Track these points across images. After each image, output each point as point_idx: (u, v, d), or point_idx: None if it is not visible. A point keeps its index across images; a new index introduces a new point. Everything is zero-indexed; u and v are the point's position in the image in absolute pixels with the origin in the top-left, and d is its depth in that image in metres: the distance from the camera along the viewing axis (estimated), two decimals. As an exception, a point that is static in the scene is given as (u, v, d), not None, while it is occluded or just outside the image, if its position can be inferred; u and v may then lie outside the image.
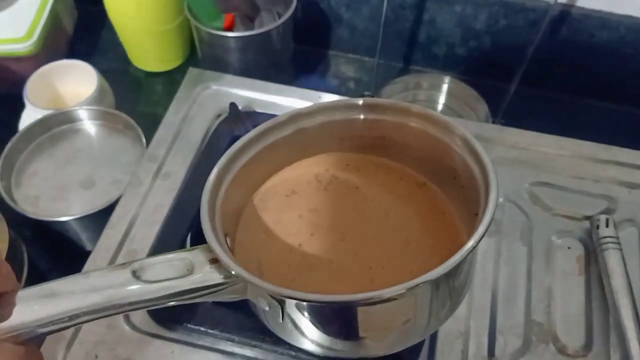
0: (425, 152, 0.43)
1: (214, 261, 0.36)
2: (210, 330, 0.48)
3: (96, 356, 0.47)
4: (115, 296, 0.33)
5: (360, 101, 0.43)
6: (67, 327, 0.33)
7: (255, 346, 0.48)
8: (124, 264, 0.35)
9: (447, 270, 0.32)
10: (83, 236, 0.62)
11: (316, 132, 0.44)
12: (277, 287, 0.34)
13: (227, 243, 0.39)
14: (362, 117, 0.44)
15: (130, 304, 0.33)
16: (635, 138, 0.62)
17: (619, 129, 0.78)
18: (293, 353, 0.48)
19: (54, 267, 0.64)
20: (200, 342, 0.48)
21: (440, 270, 0.32)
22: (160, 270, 0.35)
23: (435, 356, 0.48)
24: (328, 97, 0.65)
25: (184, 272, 0.35)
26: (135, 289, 0.34)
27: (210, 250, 0.35)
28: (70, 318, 0.32)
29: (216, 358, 0.48)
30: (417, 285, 0.32)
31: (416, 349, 0.48)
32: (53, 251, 0.65)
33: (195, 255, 0.36)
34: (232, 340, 0.48)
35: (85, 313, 0.33)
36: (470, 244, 0.33)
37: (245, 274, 0.34)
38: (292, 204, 0.45)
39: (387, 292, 0.32)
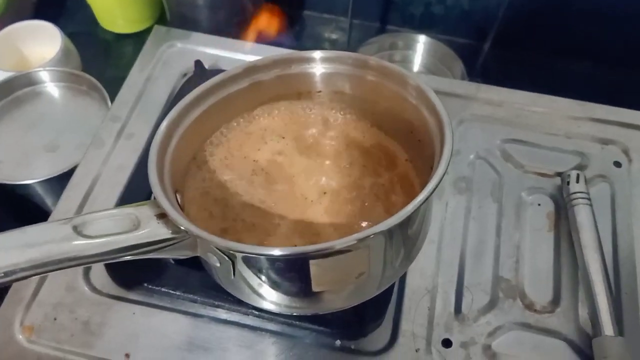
0: (382, 106, 0.42)
1: (162, 216, 0.35)
2: (172, 291, 0.48)
3: (55, 318, 0.46)
4: (54, 251, 0.32)
5: (317, 54, 0.41)
6: (5, 283, 0.32)
7: (218, 306, 0.47)
8: (64, 219, 0.33)
9: (398, 221, 0.32)
10: (47, 200, 0.61)
11: (271, 86, 0.43)
12: (226, 240, 0.33)
13: (177, 199, 0.38)
14: (318, 70, 0.42)
15: (70, 259, 0.32)
16: (611, 98, 0.61)
17: (595, 89, 0.76)
18: (256, 312, 0.47)
19: (19, 232, 0.63)
20: (162, 303, 0.48)
21: (391, 221, 0.32)
22: (104, 226, 0.34)
23: (402, 313, 0.48)
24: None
25: (130, 228, 0.34)
26: (76, 245, 0.33)
27: (158, 205, 0.34)
28: (6, 274, 0.31)
29: (179, 319, 0.47)
30: (368, 237, 0.32)
31: (382, 306, 0.47)
32: (17, 215, 0.63)
33: (142, 211, 0.35)
34: (195, 301, 0.47)
35: (23, 269, 0.31)
36: (421, 196, 0.32)
37: (193, 228, 0.33)
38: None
39: (338, 243, 0.32)
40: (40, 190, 0.59)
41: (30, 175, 0.59)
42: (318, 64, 0.43)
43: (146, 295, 0.48)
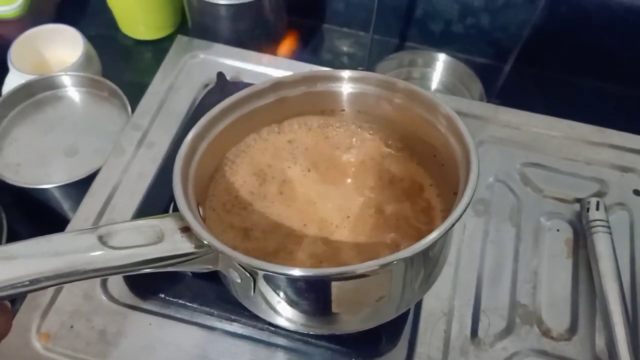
0: (406, 130, 0.42)
1: (185, 230, 0.35)
2: (189, 303, 0.47)
3: (72, 326, 0.46)
4: (79, 261, 0.32)
5: (345, 73, 0.41)
6: (29, 292, 0.31)
7: (234, 320, 0.47)
8: (90, 228, 0.33)
9: (422, 248, 0.32)
10: (65, 205, 0.61)
11: (296, 103, 0.43)
12: (249, 257, 0.33)
13: (199, 212, 0.38)
14: (345, 89, 0.42)
15: (95, 270, 0.32)
16: (631, 120, 0.61)
17: (615, 110, 0.76)
18: (272, 328, 0.47)
19: (35, 236, 0.63)
20: (178, 315, 0.48)
21: (415, 248, 0.32)
22: (128, 237, 0.34)
23: (417, 336, 0.47)
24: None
25: (154, 240, 0.34)
26: (100, 255, 0.32)
27: (181, 218, 0.34)
28: (31, 282, 0.31)
29: (194, 331, 0.47)
30: (391, 263, 0.32)
31: (398, 328, 0.47)
32: (34, 219, 0.63)
33: (166, 223, 0.35)
34: (211, 314, 0.47)
35: (47, 278, 0.31)
36: (446, 224, 0.32)
37: (216, 243, 0.33)
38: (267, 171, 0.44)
39: (360, 268, 0.32)
40: (57, 194, 0.59)
41: (48, 179, 0.59)
42: (345, 83, 0.43)
43: (163, 306, 0.48)
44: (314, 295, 0.36)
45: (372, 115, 0.44)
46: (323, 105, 0.44)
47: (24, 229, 0.63)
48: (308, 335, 0.46)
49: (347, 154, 0.45)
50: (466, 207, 0.33)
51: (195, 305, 0.47)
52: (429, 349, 0.47)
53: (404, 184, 0.43)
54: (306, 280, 0.34)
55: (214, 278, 0.41)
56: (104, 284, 0.49)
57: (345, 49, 0.84)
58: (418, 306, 0.49)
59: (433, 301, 0.49)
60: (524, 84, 0.79)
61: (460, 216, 0.33)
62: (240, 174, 0.43)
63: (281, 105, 0.43)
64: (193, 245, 0.34)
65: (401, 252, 0.32)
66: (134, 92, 0.64)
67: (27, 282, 0.31)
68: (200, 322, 0.47)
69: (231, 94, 0.59)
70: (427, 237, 0.32)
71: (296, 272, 0.32)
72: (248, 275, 0.35)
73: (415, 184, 0.43)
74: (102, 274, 0.33)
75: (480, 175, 0.55)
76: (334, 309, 0.37)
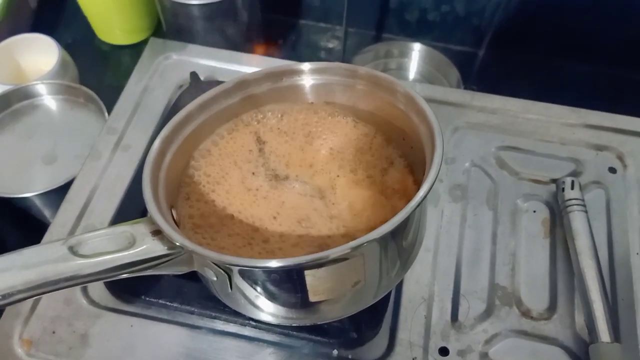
0: (374, 115, 0.42)
1: (157, 233, 0.35)
2: (169, 303, 0.48)
3: (54, 332, 0.47)
4: (51, 272, 0.32)
5: (306, 65, 0.42)
6: (2, 306, 0.32)
7: (215, 317, 0.47)
8: (60, 239, 0.34)
9: (391, 228, 0.32)
10: (46, 212, 0.61)
11: (263, 99, 0.43)
12: (220, 254, 0.33)
13: (172, 215, 0.38)
14: (308, 82, 0.43)
15: (67, 279, 0.33)
16: (610, 99, 0.61)
17: (592, 90, 0.77)
18: (254, 323, 0.47)
19: (17, 245, 0.63)
20: (159, 315, 0.48)
21: (384, 228, 0.32)
22: (99, 245, 0.34)
23: (398, 322, 0.48)
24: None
25: (125, 245, 0.34)
26: (72, 265, 0.33)
27: (153, 222, 0.35)
28: (4, 297, 0.31)
29: (176, 331, 0.47)
30: (362, 244, 0.32)
31: (379, 316, 0.47)
32: (15, 228, 0.63)
33: (137, 228, 0.35)
34: (192, 313, 0.48)
35: (20, 291, 0.32)
36: (412, 203, 0.32)
37: (188, 243, 0.33)
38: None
39: (332, 252, 0.32)
40: (38, 202, 0.59)
41: (28, 187, 0.59)
42: (308, 76, 0.43)
43: (144, 307, 0.48)
44: (290, 285, 0.37)
45: (340, 105, 0.44)
46: (291, 100, 0.44)
47: (6, 239, 0.63)
48: (290, 328, 0.47)
49: (322, 140, 0.44)
50: (432, 184, 0.33)
51: (175, 305, 0.48)
52: (410, 334, 0.47)
53: (382, 168, 0.43)
54: (280, 271, 0.35)
55: (193, 277, 0.41)
56: (84, 289, 0.49)
57: (322, 43, 0.84)
58: (398, 293, 0.49)
59: (413, 287, 0.49)
60: (501, 69, 0.79)
61: (427, 194, 0.33)
62: (208, 171, 0.43)
63: (248, 102, 0.43)
64: (165, 248, 0.35)
65: (371, 233, 0.32)
66: (113, 98, 0.64)
67: (0, 297, 0.32)
68: (182, 321, 0.48)
69: (205, 94, 0.59)
70: (395, 217, 0.32)
71: (269, 263, 0.32)
72: (223, 272, 0.35)
73: (392, 167, 0.43)
74: (75, 282, 0.34)
75: (456, 161, 0.57)
76: (312, 298, 0.37)
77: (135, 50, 0.80)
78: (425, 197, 0.33)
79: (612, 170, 0.56)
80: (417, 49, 0.79)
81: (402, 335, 0.47)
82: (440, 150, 0.35)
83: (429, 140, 0.36)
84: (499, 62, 0.79)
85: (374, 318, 0.47)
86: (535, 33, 0.79)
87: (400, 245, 0.38)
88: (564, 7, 0.74)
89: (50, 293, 0.33)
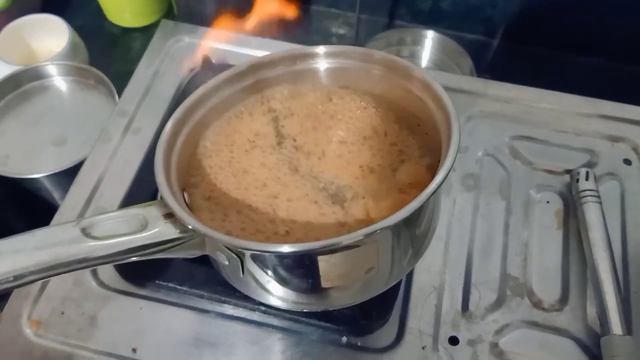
0: (389, 100, 0.41)
1: (169, 216, 0.35)
2: (179, 287, 0.48)
3: (62, 313, 0.47)
4: (63, 254, 0.32)
5: (321, 49, 0.41)
6: (15, 287, 0.32)
7: (224, 302, 0.47)
8: (73, 221, 0.34)
9: (405, 216, 0.31)
10: (55, 194, 0.61)
11: (276, 82, 0.42)
12: (233, 238, 0.33)
13: (184, 198, 0.37)
14: (323, 65, 0.42)
15: (79, 261, 0.32)
16: (620, 93, 0.60)
17: (603, 84, 0.75)
18: (263, 308, 0.47)
19: (26, 226, 0.63)
20: (169, 299, 0.48)
21: (398, 215, 0.31)
22: (112, 227, 0.34)
23: (408, 310, 0.47)
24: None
25: (137, 228, 0.34)
26: (84, 246, 0.33)
27: (165, 205, 0.34)
28: (16, 278, 0.31)
29: (186, 314, 0.47)
30: (375, 232, 0.31)
31: (389, 304, 0.47)
32: (25, 210, 0.63)
33: (150, 211, 0.35)
34: (202, 297, 0.47)
35: (32, 272, 0.31)
36: (427, 190, 0.32)
37: (200, 227, 0.33)
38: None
39: (345, 239, 0.32)
40: (47, 184, 0.59)
41: (37, 169, 0.59)
42: (323, 59, 0.42)
43: (153, 290, 0.48)
44: (302, 270, 0.36)
45: (354, 89, 0.43)
46: (304, 83, 0.44)
47: (16, 220, 0.63)
48: (300, 314, 0.46)
49: (333, 123, 0.44)
50: (448, 172, 0.33)
51: (185, 288, 0.47)
52: (420, 323, 0.47)
53: (396, 154, 0.42)
54: (293, 256, 0.34)
55: (204, 261, 0.41)
56: (93, 271, 0.49)
57: (334, 30, 0.83)
58: (409, 281, 0.48)
59: (424, 276, 0.49)
60: (513, 58, 0.78)
61: (442, 182, 0.33)
62: (220, 154, 0.43)
63: (261, 86, 0.43)
64: (178, 231, 0.34)
65: (384, 220, 0.32)
66: (123, 81, 0.63)
67: (12, 278, 0.32)
68: (191, 304, 0.47)
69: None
70: (409, 205, 0.32)
71: (282, 248, 0.32)
72: (235, 256, 0.35)
73: (406, 154, 0.42)
74: (87, 264, 0.33)
75: (469, 149, 0.56)
76: (324, 284, 0.37)
77: (146, 33, 0.80)
78: (440, 185, 0.33)
79: (627, 162, 0.56)
80: (430, 37, 0.78)
81: (411, 323, 0.47)
82: (456, 137, 0.34)
83: (445, 128, 0.36)
84: (511, 52, 0.78)
85: (384, 306, 0.47)
86: (547, 25, 0.78)
87: (413, 233, 0.38)
88: (577, 1, 0.73)
89: (61, 275, 0.33)
